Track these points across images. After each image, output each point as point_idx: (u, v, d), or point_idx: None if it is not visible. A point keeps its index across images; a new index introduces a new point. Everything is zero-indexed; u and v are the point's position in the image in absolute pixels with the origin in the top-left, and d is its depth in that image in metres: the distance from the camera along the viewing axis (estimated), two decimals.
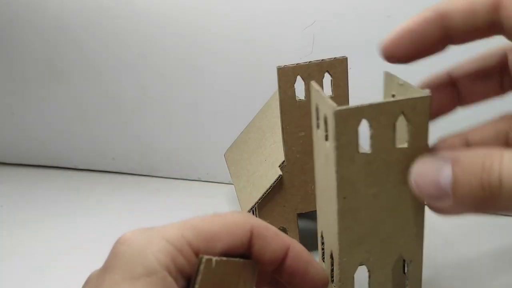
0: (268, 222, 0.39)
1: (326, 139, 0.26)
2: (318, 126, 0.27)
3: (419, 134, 0.25)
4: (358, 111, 0.24)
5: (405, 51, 0.22)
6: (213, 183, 0.62)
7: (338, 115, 0.23)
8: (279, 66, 0.35)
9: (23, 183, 0.66)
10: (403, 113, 0.24)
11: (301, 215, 0.40)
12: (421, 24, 0.22)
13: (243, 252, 0.22)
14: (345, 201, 0.25)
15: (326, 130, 0.25)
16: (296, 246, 0.24)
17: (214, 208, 0.56)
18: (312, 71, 0.36)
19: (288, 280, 0.25)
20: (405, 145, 0.25)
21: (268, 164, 0.40)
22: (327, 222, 0.29)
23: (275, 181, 0.37)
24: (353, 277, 0.28)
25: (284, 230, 0.40)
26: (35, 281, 0.44)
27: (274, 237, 0.23)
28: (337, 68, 0.36)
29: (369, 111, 0.24)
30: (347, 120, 0.24)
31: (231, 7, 0.52)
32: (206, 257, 0.19)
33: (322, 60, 0.36)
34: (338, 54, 0.37)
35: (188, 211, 0.56)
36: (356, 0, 0.47)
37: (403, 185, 0.25)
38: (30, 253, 0.49)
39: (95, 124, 0.64)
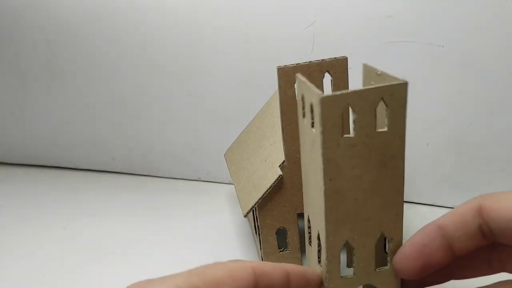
0: (268, 222, 0.40)
1: (312, 125, 0.28)
2: (304, 116, 0.30)
3: (397, 119, 0.27)
4: (342, 98, 0.26)
5: (416, 263, 0.25)
6: (213, 183, 0.62)
7: (323, 101, 0.25)
8: (279, 66, 0.35)
9: (23, 183, 0.66)
10: (382, 99, 0.26)
11: (301, 215, 0.40)
12: (424, 237, 0.25)
13: None
14: (331, 182, 0.27)
15: (312, 118, 0.27)
16: (292, 266, 0.27)
17: (214, 208, 0.56)
18: (312, 71, 0.36)
19: None
20: (385, 129, 0.27)
21: (268, 164, 0.40)
22: (314, 204, 0.31)
23: (275, 181, 0.37)
24: (339, 255, 0.30)
25: (284, 230, 0.40)
26: (35, 281, 0.44)
27: (274, 268, 0.25)
28: (337, 68, 0.36)
29: (352, 98, 0.26)
30: (332, 106, 0.26)
31: (231, 7, 0.52)
32: None
33: (322, 60, 0.36)
34: (338, 54, 0.37)
35: (188, 211, 0.56)
36: (356, 0, 0.47)
37: (383, 167, 0.28)
38: (30, 253, 0.49)
39: (95, 124, 0.64)
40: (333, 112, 0.26)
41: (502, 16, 0.43)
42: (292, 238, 0.41)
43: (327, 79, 0.37)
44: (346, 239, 0.30)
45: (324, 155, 0.27)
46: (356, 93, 0.26)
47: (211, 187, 0.61)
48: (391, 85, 0.26)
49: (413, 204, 0.52)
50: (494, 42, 0.44)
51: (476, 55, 0.45)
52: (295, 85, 0.31)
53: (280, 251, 0.41)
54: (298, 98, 0.31)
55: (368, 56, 0.48)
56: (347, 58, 0.37)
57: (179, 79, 0.57)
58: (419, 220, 0.49)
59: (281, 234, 0.40)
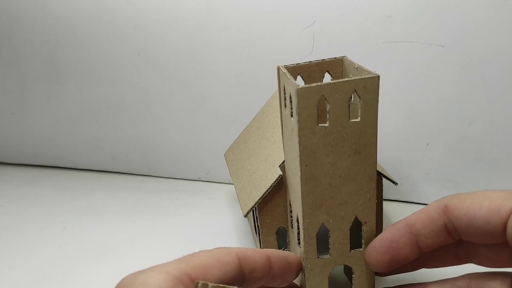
0: (268, 222, 0.40)
1: (291, 115, 0.29)
2: (285, 106, 0.31)
3: (369, 110, 0.29)
4: (317, 89, 0.27)
5: (384, 257, 0.27)
6: (213, 183, 0.62)
7: (299, 92, 0.27)
8: (279, 66, 0.35)
9: (23, 183, 0.66)
10: (355, 91, 0.28)
11: None
12: (393, 233, 0.26)
13: (236, 278, 0.24)
14: (307, 168, 0.29)
15: (292, 107, 0.29)
16: (273, 251, 0.28)
17: (214, 208, 0.56)
18: (312, 71, 0.36)
19: (279, 280, 0.28)
20: (358, 119, 0.29)
21: (268, 164, 0.40)
22: (293, 189, 0.33)
23: (275, 181, 0.37)
24: (315, 236, 0.32)
25: (284, 230, 0.40)
26: (35, 281, 0.44)
27: (256, 252, 0.26)
28: (337, 68, 0.36)
29: (326, 89, 0.27)
30: (307, 96, 0.27)
31: (231, 7, 0.52)
32: (201, 282, 0.21)
33: (322, 60, 0.36)
34: (338, 54, 0.37)
35: (188, 211, 0.56)
36: (356, 0, 0.47)
37: (356, 154, 0.30)
38: (30, 253, 0.49)
39: (95, 124, 0.64)
40: (309, 102, 0.28)
41: (502, 16, 0.43)
42: (292, 237, 0.41)
43: (327, 79, 0.37)
44: (322, 221, 0.31)
45: (301, 142, 0.28)
46: (330, 85, 0.28)
47: (211, 187, 0.61)
48: (364, 78, 0.28)
49: (413, 204, 0.52)
50: (494, 42, 0.44)
51: (476, 55, 0.45)
52: (279, 78, 0.33)
53: None
54: (280, 89, 0.32)
55: (368, 56, 0.48)
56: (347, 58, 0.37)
57: (179, 79, 0.57)
58: None
59: (281, 234, 0.40)
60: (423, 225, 0.25)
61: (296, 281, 0.35)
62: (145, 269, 0.22)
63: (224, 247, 0.25)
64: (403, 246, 0.26)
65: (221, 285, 0.22)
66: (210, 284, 0.21)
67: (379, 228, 0.40)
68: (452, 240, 0.26)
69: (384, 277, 0.35)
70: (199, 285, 0.21)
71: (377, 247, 0.27)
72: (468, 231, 0.24)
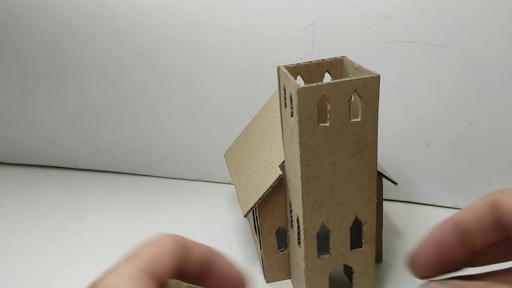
0: (268, 222, 0.40)
1: (292, 115, 0.29)
2: (285, 106, 0.31)
3: (370, 110, 0.29)
4: (317, 89, 0.27)
5: (434, 258, 0.25)
6: (213, 183, 0.62)
7: (300, 92, 0.27)
8: (279, 66, 0.35)
9: (23, 183, 0.66)
10: (356, 91, 0.28)
11: None
12: (442, 232, 0.24)
13: (181, 266, 0.23)
14: (307, 168, 0.29)
15: (292, 107, 0.29)
16: (221, 254, 0.26)
17: (214, 208, 0.56)
18: (312, 71, 0.36)
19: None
20: (358, 119, 0.29)
21: (268, 164, 0.40)
22: (294, 189, 0.33)
23: (275, 181, 0.37)
24: (316, 236, 0.32)
25: (284, 230, 0.40)
26: (35, 280, 0.44)
27: (196, 245, 0.24)
28: (337, 68, 0.36)
29: (327, 89, 0.27)
30: (308, 96, 0.27)
31: (231, 7, 0.52)
32: (174, 281, 0.21)
33: (322, 60, 0.36)
34: (338, 54, 0.37)
35: (188, 211, 0.56)
36: (356, 0, 0.47)
37: (356, 154, 0.29)
38: (30, 253, 0.49)
39: (95, 124, 0.64)
40: (309, 102, 0.28)
41: (502, 16, 0.43)
42: (292, 237, 0.41)
43: (327, 79, 0.37)
44: (322, 221, 0.32)
45: (301, 142, 0.28)
46: (330, 85, 0.27)
47: (211, 187, 0.61)
48: (364, 78, 0.28)
49: (413, 204, 0.52)
50: (494, 42, 0.44)
51: (476, 55, 0.45)
52: (279, 78, 0.33)
53: (280, 251, 0.41)
54: (281, 89, 0.32)
55: (368, 56, 0.48)
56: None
57: (179, 79, 0.57)
58: (419, 220, 0.50)
59: (281, 234, 0.40)
60: (472, 223, 0.24)
61: (296, 281, 0.35)
62: (99, 277, 0.22)
63: (162, 234, 0.24)
64: (453, 246, 0.24)
65: (193, 285, 0.22)
66: (185, 285, 0.21)
67: (379, 228, 0.40)
68: (503, 238, 0.24)
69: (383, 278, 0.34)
70: (172, 284, 0.21)
71: (428, 248, 0.25)
72: None
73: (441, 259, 0.25)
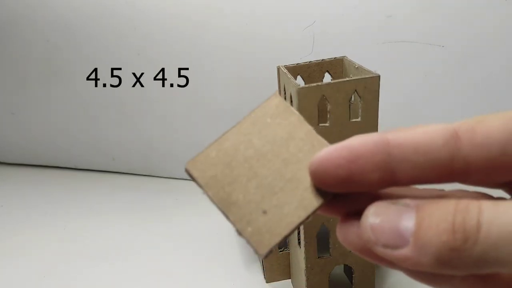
0: None
1: None
2: None
3: (370, 110, 0.29)
4: (317, 89, 0.27)
5: (338, 172, 0.17)
6: None
7: (300, 92, 0.27)
8: (279, 66, 0.35)
9: (23, 183, 0.66)
10: (356, 91, 0.28)
11: None
12: (363, 145, 0.18)
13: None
14: None
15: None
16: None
17: (214, 208, 0.56)
18: (312, 71, 0.36)
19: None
20: (358, 119, 0.29)
21: None
22: None
23: None
24: (315, 236, 0.32)
25: None
26: (35, 280, 0.44)
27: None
28: (337, 68, 0.36)
29: (327, 89, 0.28)
30: (308, 96, 0.28)
31: (231, 7, 0.52)
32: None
33: (322, 60, 0.36)
34: (338, 54, 0.37)
35: (188, 211, 0.56)
36: (356, 0, 0.47)
37: None
38: (30, 253, 0.49)
39: (95, 124, 0.64)
40: (309, 102, 0.28)
41: (502, 16, 0.43)
42: (292, 237, 0.41)
43: (327, 79, 0.37)
44: (322, 221, 0.32)
45: None
46: (330, 84, 0.28)
47: None
48: (364, 78, 0.28)
49: None
50: (494, 42, 0.44)
51: (476, 55, 0.45)
52: (279, 78, 0.33)
53: (280, 251, 0.41)
54: (281, 88, 0.33)
55: (368, 56, 0.48)
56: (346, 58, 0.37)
57: (179, 79, 0.57)
58: None
59: None
60: (414, 151, 0.17)
61: (296, 281, 0.35)
62: None
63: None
64: (371, 169, 0.17)
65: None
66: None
67: None
68: (451, 181, 0.17)
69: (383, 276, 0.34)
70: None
71: (334, 156, 0.17)
72: (493, 163, 0.16)
73: (349, 178, 0.18)
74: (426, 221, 0.15)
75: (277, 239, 0.15)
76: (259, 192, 0.17)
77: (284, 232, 0.16)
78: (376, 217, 0.17)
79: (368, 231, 0.16)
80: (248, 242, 0.16)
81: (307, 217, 0.16)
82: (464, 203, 0.15)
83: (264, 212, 0.16)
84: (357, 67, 0.32)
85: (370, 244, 0.16)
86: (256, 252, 0.15)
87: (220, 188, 0.17)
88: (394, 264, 0.17)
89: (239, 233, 0.16)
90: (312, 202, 0.17)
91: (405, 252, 0.16)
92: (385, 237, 0.16)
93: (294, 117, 0.19)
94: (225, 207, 0.16)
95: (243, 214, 0.16)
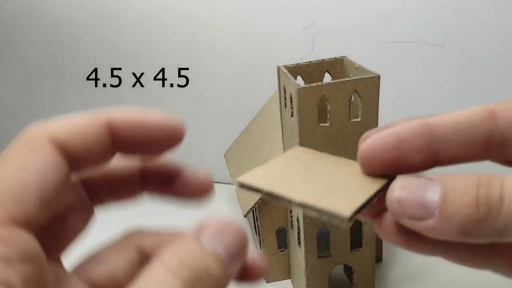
0: (268, 222, 0.40)
1: (292, 115, 0.29)
2: (285, 106, 0.31)
3: (370, 110, 0.29)
4: (317, 89, 0.27)
5: (384, 157, 0.19)
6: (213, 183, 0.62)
7: (300, 92, 0.27)
8: (279, 66, 0.35)
9: None
10: (356, 91, 0.28)
11: None
12: (407, 129, 0.19)
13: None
14: None
15: (292, 107, 0.29)
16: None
17: (214, 208, 0.56)
18: (312, 71, 0.36)
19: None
20: (358, 119, 0.29)
21: None
22: None
23: None
24: (315, 236, 0.32)
25: (284, 230, 0.40)
26: None
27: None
28: (337, 68, 0.36)
29: (327, 89, 0.28)
30: (308, 96, 0.28)
31: (231, 7, 0.52)
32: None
33: (322, 60, 0.36)
34: (338, 54, 0.37)
35: (188, 211, 0.56)
36: (356, 0, 0.47)
37: (356, 154, 0.29)
38: None
39: None
40: (309, 102, 0.28)
41: (502, 16, 0.43)
42: (292, 237, 0.41)
43: (327, 79, 0.37)
44: (322, 221, 0.31)
45: (301, 142, 0.29)
46: (330, 84, 0.28)
47: None
48: (364, 78, 0.28)
49: None
50: (494, 42, 0.44)
51: (476, 55, 0.45)
52: (279, 78, 0.33)
53: (280, 251, 0.41)
54: (281, 89, 0.33)
55: (368, 56, 0.48)
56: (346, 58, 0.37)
57: (179, 79, 0.57)
58: None
59: (281, 234, 0.40)
60: (455, 130, 0.18)
61: (296, 281, 0.35)
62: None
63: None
64: (415, 151, 0.18)
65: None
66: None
67: None
68: (488, 157, 0.18)
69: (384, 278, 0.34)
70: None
71: (380, 143, 0.18)
72: None
73: (395, 161, 0.19)
74: (450, 195, 0.16)
75: (358, 203, 0.15)
76: (319, 186, 0.16)
77: (362, 199, 0.16)
78: (402, 190, 0.17)
79: (395, 204, 0.17)
80: (327, 211, 0.15)
81: (377, 193, 0.17)
82: (487, 176, 0.16)
83: (331, 194, 0.16)
84: (357, 67, 0.32)
85: (397, 216, 0.17)
86: (339, 217, 0.14)
87: (278, 186, 0.16)
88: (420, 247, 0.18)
89: (310, 207, 0.15)
90: (375, 184, 0.17)
91: (430, 223, 0.16)
92: (411, 210, 0.17)
93: (322, 153, 0.19)
94: (289, 194, 0.16)
95: (310, 196, 0.15)
